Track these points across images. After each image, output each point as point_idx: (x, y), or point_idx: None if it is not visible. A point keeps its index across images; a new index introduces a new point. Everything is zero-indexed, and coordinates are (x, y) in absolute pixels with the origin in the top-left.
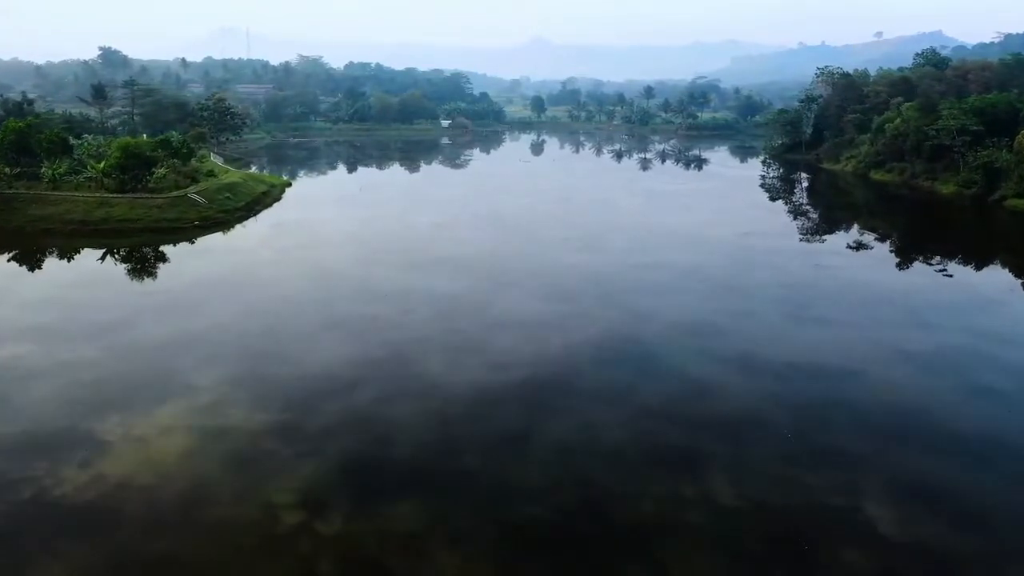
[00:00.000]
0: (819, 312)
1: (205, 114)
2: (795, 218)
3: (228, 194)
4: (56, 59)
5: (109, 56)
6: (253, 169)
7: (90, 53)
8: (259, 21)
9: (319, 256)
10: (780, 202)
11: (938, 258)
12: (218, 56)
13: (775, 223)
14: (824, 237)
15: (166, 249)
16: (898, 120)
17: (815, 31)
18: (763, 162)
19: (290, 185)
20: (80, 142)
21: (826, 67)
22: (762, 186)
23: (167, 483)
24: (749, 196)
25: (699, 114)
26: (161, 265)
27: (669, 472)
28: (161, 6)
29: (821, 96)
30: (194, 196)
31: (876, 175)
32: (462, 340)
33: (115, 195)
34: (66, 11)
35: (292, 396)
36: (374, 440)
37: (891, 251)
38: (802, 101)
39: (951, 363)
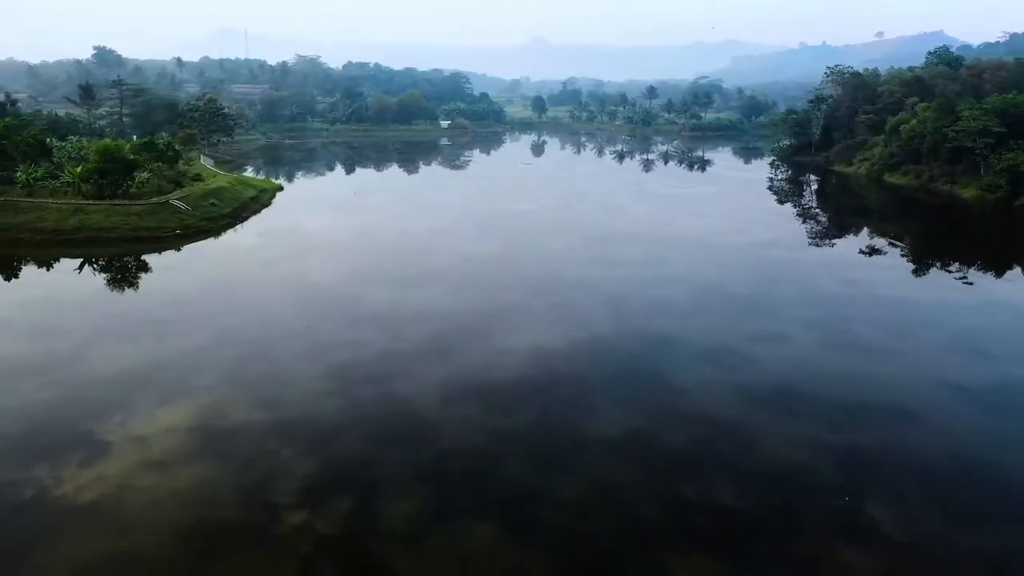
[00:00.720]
0: (858, 337)
1: (195, 115)
2: (812, 224)
3: (213, 200)
4: (55, 59)
5: (103, 56)
6: (247, 171)
7: (87, 53)
8: (259, 22)
9: (306, 270)
10: (793, 207)
11: (974, 271)
12: (217, 57)
13: (791, 230)
14: (846, 246)
15: (141, 261)
16: (914, 121)
17: (815, 31)
18: (771, 164)
19: (281, 189)
20: (62, 144)
21: (836, 66)
22: (772, 190)
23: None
24: (760, 201)
25: (703, 114)
26: (132, 281)
27: (709, 556)
28: (162, 7)
29: (831, 96)
30: (176, 203)
31: (891, 178)
32: (460, 378)
33: (91, 202)
34: (66, 11)
35: (255, 458)
36: (349, 519)
37: (922, 263)
38: (811, 101)
39: (1019, 402)
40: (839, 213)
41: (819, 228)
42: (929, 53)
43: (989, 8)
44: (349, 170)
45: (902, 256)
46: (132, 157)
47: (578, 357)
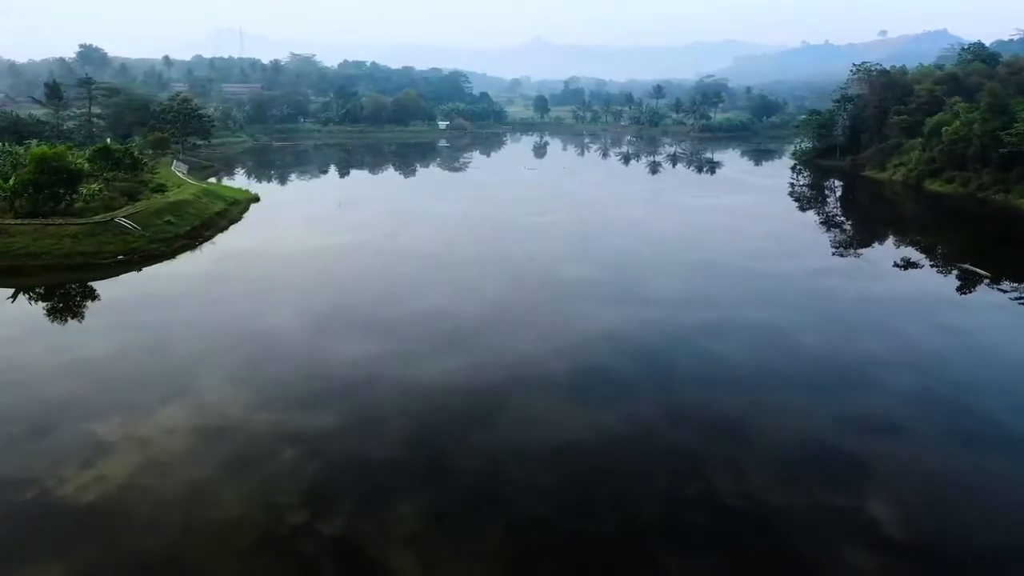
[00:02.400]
0: (999, 425)
1: (168, 116)
2: (861, 244)
3: (169, 217)
4: (42, 59)
5: (89, 54)
6: (224, 179)
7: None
8: (259, 23)
9: (262, 312)
10: (831, 221)
11: None
12: (212, 57)
13: (845, 253)
14: (915, 275)
15: (55, 300)
16: (957, 123)
17: (816, 30)
18: (792, 169)
19: (257, 200)
20: (12, 150)
21: (863, 63)
22: (801, 199)
23: None
24: (792, 213)
25: (712, 115)
26: (30, 328)
27: None
28: (165, 8)
29: (858, 95)
30: (123, 221)
31: (932, 185)
32: (448, 498)
33: (20, 221)
34: (67, 11)
35: None
36: None
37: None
38: (836, 101)
39: None
40: (887, 228)
41: (872, 249)
42: (963, 49)
43: (992, 7)
44: (339, 175)
45: (990, 286)
46: (76, 166)
47: (616, 465)
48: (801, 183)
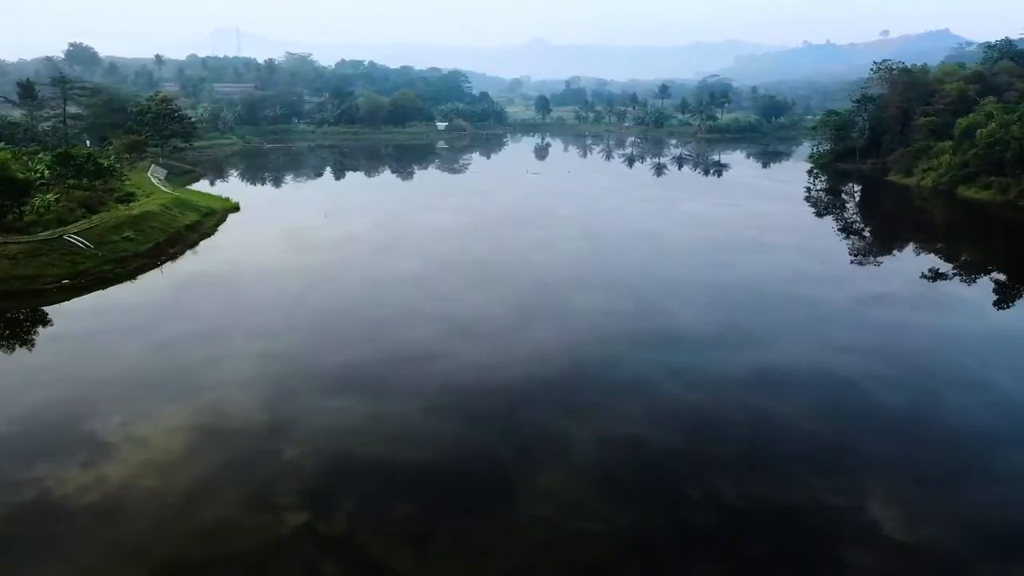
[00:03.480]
0: None
1: (147, 118)
2: (908, 261)
3: (129, 232)
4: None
5: (79, 52)
6: (207, 185)
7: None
8: (259, 23)
9: (214, 360)
10: (870, 235)
11: None
12: (209, 56)
13: (891, 273)
14: (980, 301)
15: None
16: (992, 124)
17: (816, 30)
18: (809, 173)
19: (237, 209)
20: None
21: (884, 61)
22: (828, 207)
23: None
24: (824, 224)
25: (719, 115)
26: None
27: None
28: (164, 8)
29: (879, 95)
30: (72, 239)
31: (966, 191)
32: None
33: None
34: (66, 11)
35: None
36: None
37: None
38: (856, 101)
39: None
40: (929, 241)
41: (922, 267)
42: (989, 46)
43: (994, 7)
44: (330, 180)
45: None
46: (24, 175)
47: None
48: (821, 188)
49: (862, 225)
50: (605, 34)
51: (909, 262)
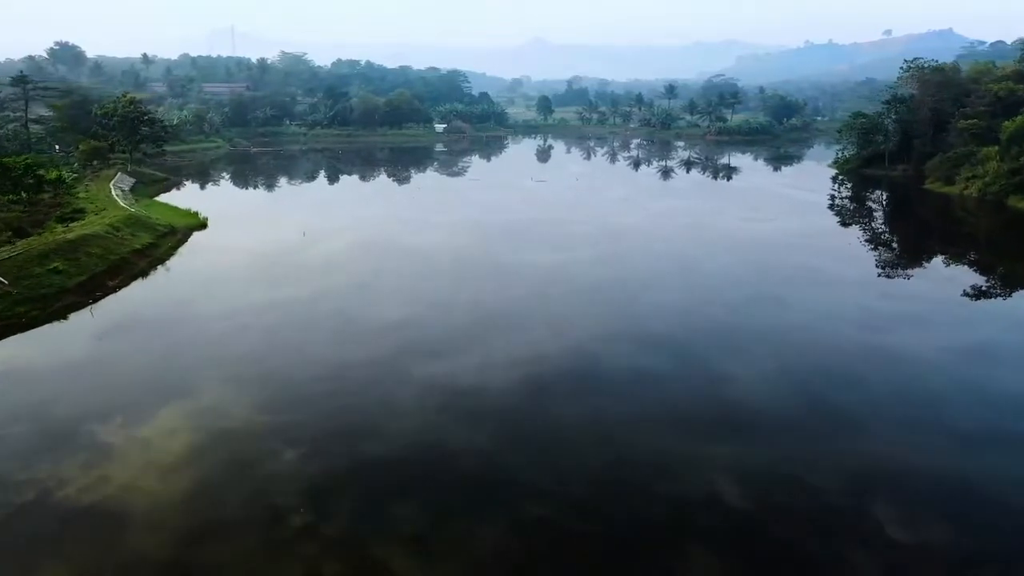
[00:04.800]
0: None
1: (113, 120)
2: (997, 294)
3: (58, 263)
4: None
5: (62, 51)
6: (176, 196)
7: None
8: (258, 23)
9: (124, 451)
10: (932, 261)
11: None
12: (196, 55)
13: (979, 315)
14: None
15: None
16: None
17: (817, 30)
18: (834, 179)
19: (204, 226)
20: None
21: (915, 59)
22: (868, 221)
23: None
24: (876, 247)
25: (728, 116)
26: None
27: None
28: (164, 8)
29: (910, 96)
30: None
31: (1019, 203)
32: None
33: None
34: (66, 12)
35: None
36: None
37: None
38: (886, 103)
39: None
40: (1010, 266)
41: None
42: None
43: (997, 7)
44: (316, 188)
45: None
46: None
47: None
48: (851, 197)
49: (921, 246)
50: (605, 34)
51: (997, 295)
